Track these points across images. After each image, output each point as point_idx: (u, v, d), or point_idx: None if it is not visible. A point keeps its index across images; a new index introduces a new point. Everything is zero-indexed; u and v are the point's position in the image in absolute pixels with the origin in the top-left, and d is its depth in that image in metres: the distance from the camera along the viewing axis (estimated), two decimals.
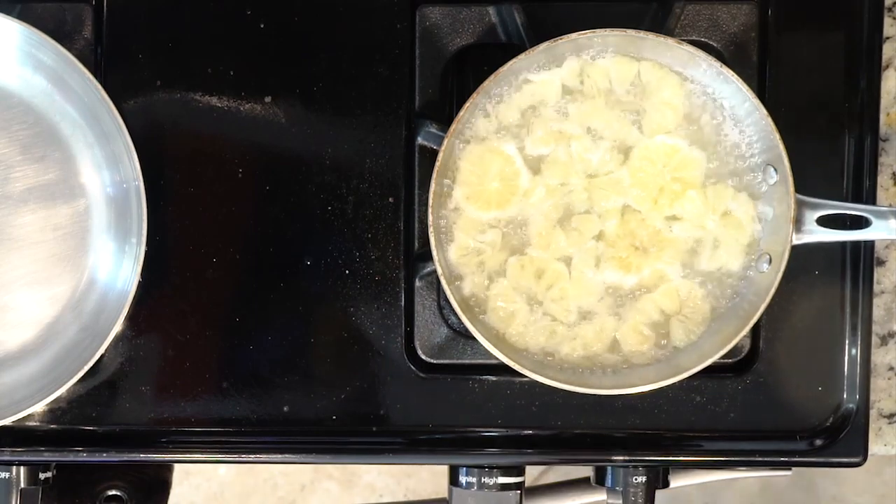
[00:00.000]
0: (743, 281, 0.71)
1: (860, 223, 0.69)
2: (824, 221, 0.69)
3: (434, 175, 0.69)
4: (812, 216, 0.68)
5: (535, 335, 0.71)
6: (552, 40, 0.68)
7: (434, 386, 0.75)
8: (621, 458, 0.75)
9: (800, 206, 0.68)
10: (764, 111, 0.68)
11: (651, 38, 0.68)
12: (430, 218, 0.69)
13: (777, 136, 0.68)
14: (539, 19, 0.72)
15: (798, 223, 0.68)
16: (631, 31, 0.68)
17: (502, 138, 0.71)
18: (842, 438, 0.75)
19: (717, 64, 0.68)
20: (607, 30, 0.68)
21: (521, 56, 0.68)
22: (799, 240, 0.68)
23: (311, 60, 0.74)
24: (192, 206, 0.74)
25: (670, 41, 0.68)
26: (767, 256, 0.70)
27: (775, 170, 0.69)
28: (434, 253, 0.69)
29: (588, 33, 0.68)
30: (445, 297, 0.74)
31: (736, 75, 0.68)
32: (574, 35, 0.68)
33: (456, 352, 0.75)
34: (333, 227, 0.74)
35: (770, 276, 0.69)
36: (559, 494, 0.94)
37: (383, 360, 0.75)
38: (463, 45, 0.74)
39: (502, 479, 0.75)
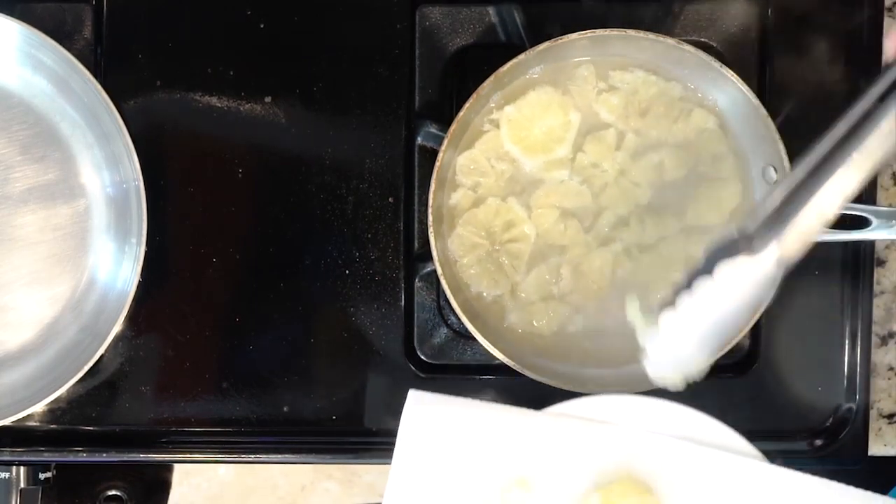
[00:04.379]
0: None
1: (860, 223, 0.69)
2: None
3: (434, 175, 0.69)
4: None
5: (480, 277, 0.71)
6: (553, 40, 0.68)
7: (434, 386, 0.75)
8: None
9: None
10: (763, 111, 0.68)
11: (651, 38, 0.68)
12: (430, 219, 0.69)
13: (777, 135, 0.68)
14: (538, 19, 0.72)
15: None
16: (631, 31, 0.68)
17: (575, 103, 0.71)
18: (842, 438, 0.75)
19: (717, 64, 0.68)
20: (607, 30, 0.68)
21: (522, 56, 0.68)
22: None
23: (311, 60, 0.74)
24: (192, 206, 0.74)
25: (670, 41, 0.68)
26: None
27: (775, 170, 0.69)
28: (433, 248, 0.68)
29: (588, 33, 0.68)
30: (445, 297, 0.74)
31: (736, 75, 0.68)
32: (574, 35, 0.68)
33: (455, 352, 0.75)
34: (333, 227, 0.74)
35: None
36: None
37: (383, 360, 0.75)
38: (463, 45, 0.74)
39: None
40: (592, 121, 0.72)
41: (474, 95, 0.68)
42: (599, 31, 0.68)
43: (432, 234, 0.68)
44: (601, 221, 0.72)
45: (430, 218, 0.69)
